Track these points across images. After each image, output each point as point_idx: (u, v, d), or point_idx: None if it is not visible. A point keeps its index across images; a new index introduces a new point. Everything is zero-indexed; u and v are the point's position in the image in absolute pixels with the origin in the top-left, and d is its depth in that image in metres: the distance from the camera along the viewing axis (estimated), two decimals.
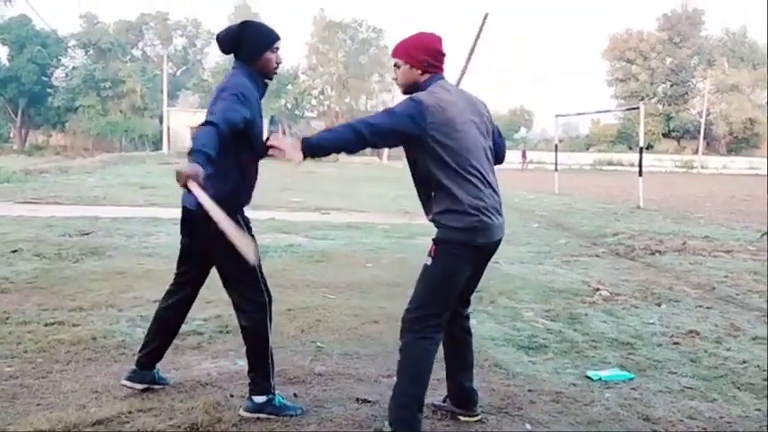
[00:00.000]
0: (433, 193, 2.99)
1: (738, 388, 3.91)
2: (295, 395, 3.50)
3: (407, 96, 3.00)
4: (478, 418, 3.29)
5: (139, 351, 3.53)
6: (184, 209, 3.25)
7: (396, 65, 3.13)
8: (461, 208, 2.91)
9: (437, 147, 2.91)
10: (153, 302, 5.25)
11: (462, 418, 3.27)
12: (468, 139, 2.97)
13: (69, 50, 55.67)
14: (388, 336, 4.62)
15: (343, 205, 14.42)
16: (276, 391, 3.27)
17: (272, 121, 51.22)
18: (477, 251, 3.00)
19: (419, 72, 3.06)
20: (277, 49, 3.27)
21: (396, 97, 51.57)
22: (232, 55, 3.28)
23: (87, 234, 9.02)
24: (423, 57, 3.05)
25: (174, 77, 58.36)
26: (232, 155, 3.08)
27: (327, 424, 3.16)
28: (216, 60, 59.88)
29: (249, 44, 3.20)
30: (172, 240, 8.77)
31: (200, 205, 2.84)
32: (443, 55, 3.10)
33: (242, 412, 3.20)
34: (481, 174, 2.98)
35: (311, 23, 54.47)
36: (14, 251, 7.45)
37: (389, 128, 2.89)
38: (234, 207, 3.17)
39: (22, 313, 4.88)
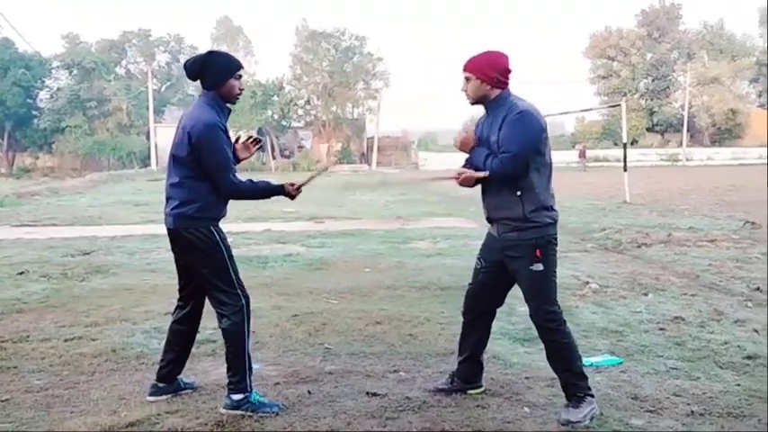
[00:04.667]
0: (519, 192, 3.39)
1: (720, 367, 4.20)
2: (309, 392, 3.76)
3: (523, 109, 3.37)
4: (483, 388, 3.77)
5: (159, 365, 3.80)
6: (167, 229, 3.59)
7: (467, 78, 3.48)
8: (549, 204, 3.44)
9: (542, 146, 3.40)
10: (164, 315, 5.53)
11: (471, 392, 3.70)
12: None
13: (53, 72, 55.53)
14: (392, 335, 4.90)
15: (337, 213, 14.67)
16: (253, 389, 3.51)
17: (259, 132, 51.35)
18: None
19: (489, 87, 3.45)
20: (239, 76, 3.57)
21: (381, 104, 51.80)
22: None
23: (89, 253, 9.23)
24: (493, 74, 3.44)
25: (159, 93, 58.36)
26: (201, 173, 3.45)
27: (342, 416, 3.42)
28: None
29: (213, 72, 3.51)
30: (172, 256, 9.00)
31: (177, 221, 3.45)
32: (510, 71, 3.48)
33: (221, 410, 3.46)
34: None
35: (294, 34, 54.70)
36: (21, 273, 7.67)
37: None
38: (210, 221, 3.52)
39: (41, 330, 5.12)
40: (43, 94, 55.13)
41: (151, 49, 61.37)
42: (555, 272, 3.49)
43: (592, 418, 3.33)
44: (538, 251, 3.37)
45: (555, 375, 3.98)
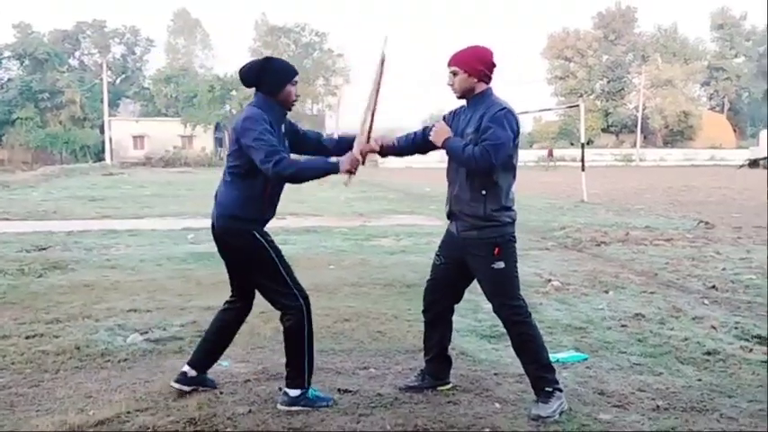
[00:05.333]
0: (484, 191, 3.42)
1: (682, 362, 4.32)
2: (280, 389, 3.73)
3: (507, 108, 3.41)
4: (451, 385, 3.81)
5: (193, 354, 3.75)
6: (212, 226, 3.56)
7: (453, 72, 3.50)
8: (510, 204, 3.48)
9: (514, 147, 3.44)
10: (127, 312, 5.47)
11: (441, 389, 3.73)
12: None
13: (3, 62, 54.15)
14: (361, 332, 4.91)
15: (299, 210, 14.59)
16: (309, 385, 3.53)
17: (217, 128, 50.80)
18: None
19: (475, 80, 3.48)
20: (296, 82, 3.56)
21: (341, 100, 51.70)
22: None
23: (45, 249, 9.02)
24: (480, 67, 3.47)
25: (114, 86, 57.31)
26: (260, 177, 3.39)
27: (315, 413, 3.41)
28: (156, 68, 59.13)
29: (272, 78, 3.48)
30: (132, 252, 8.86)
31: (220, 222, 3.41)
32: (495, 66, 3.53)
33: (279, 405, 3.47)
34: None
35: (253, 28, 54.30)
36: None
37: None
38: (259, 223, 3.49)
39: (1, 327, 4.98)
40: None
41: (106, 41, 60.22)
42: (516, 268, 3.54)
43: (561, 413, 3.39)
44: (497, 249, 3.42)
45: (523, 372, 4.05)
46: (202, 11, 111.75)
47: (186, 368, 3.67)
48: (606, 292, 6.43)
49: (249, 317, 5.17)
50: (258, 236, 3.48)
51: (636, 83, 60.84)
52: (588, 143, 53.44)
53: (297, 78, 3.55)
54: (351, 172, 3.40)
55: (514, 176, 3.52)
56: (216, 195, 3.55)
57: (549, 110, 56.26)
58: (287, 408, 3.44)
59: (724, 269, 7.55)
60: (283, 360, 4.23)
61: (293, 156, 3.50)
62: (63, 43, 57.57)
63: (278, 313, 5.37)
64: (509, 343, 4.65)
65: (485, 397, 3.68)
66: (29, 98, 50.36)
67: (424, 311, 3.86)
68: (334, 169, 3.38)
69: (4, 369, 4.09)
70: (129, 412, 3.37)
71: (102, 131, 48.91)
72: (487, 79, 3.50)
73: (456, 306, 3.93)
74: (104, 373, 4.04)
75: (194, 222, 11.67)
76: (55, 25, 68.27)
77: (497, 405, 3.55)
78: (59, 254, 8.63)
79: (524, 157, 48.90)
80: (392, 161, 46.29)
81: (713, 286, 6.64)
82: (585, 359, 4.37)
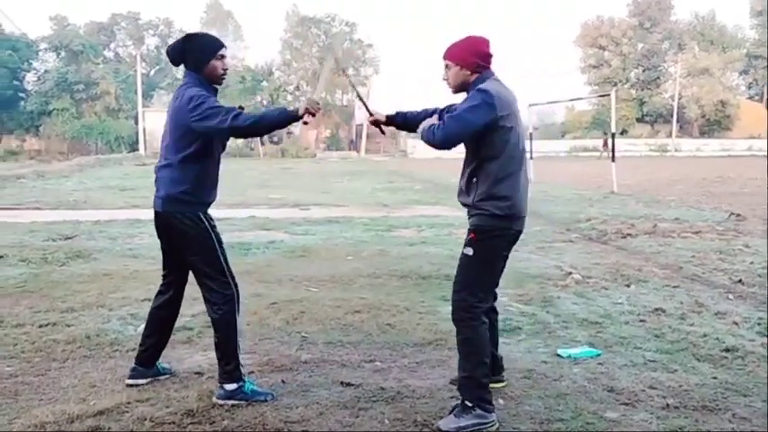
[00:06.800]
0: (475, 179, 3.27)
1: (698, 359, 4.19)
2: (283, 381, 3.72)
3: (483, 88, 3.22)
4: (505, 383, 3.65)
5: (138, 349, 3.78)
6: (155, 212, 3.54)
7: (447, 66, 3.40)
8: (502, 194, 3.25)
9: (501, 134, 3.20)
10: (142, 301, 5.49)
11: (492, 386, 3.44)
12: (520, 128, 3.31)
13: (40, 54, 55.07)
14: (370, 324, 4.87)
15: (323, 200, 14.61)
16: (246, 378, 3.48)
17: None
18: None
19: (469, 72, 3.34)
20: (222, 56, 3.50)
21: (370, 91, 51.64)
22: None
23: (71, 238, 9.14)
24: (473, 59, 3.33)
25: (148, 77, 57.96)
26: (192, 156, 3.40)
27: (314, 406, 3.38)
28: None
29: (194, 55, 3.46)
30: (155, 241, 8.77)
31: (166, 206, 3.39)
32: (491, 56, 3.39)
33: (215, 399, 3.42)
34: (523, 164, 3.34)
35: (284, 19, 54.42)
36: (0, 257, 7.57)
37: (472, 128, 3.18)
38: (198, 204, 3.46)
39: (16, 316, 5.05)
40: (30, 77, 54.70)
41: (140, 33, 60.92)
42: (491, 266, 3.31)
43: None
44: (473, 235, 3.26)
45: (531, 368, 3.98)
46: (234, 2, 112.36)
47: (135, 366, 3.72)
48: (627, 285, 6.29)
49: (258, 308, 5.23)
50: (203, 218, 3.48)
51: (672, 71, 59.63)
52: (622, 133, 52.75)
53: (223, 52, 3.50)
54: (311, 113, 3.36)
55: (515, 166, 3.27)
56: (156, 179, 3.51)
57: (579, 99, 55.32)
58: (223, 402, 3.39)
59: (752, 263, 7.33)
60: (289, 352, 4.26)
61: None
62: (98, 35, 58.36)
63: (288, 303, 5.44)
64: (520, 337, 4.64)
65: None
66: (65, 89, 51.16)
67: None
68: (293, 115, 3.36)
69: (14, 357, 4.14)
70: (129, 403, 3.38)
71: (137, 122, 49.50)
72: (482, 69, 3.34)
73: None
74: (111, 363, 4.06)
75: (217, 212, 11.72)
76: (90, 17, 69.33)
77: (501, 401, 3.47)
78: (84, 243, 8.74)
79: (556, 147, 48.54)
80: (422, 152, 46.18)
81: (739, 280, 6.45)
82: (598, 355, 4.26)
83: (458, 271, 3.33)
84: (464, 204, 3.39)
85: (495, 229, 3.26)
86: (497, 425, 3.17)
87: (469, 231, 3.30)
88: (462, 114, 3.17)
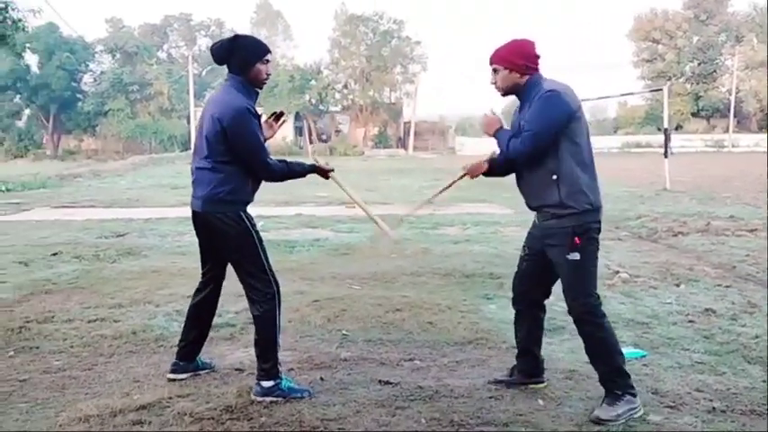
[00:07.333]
0: (555, 176, 3.28)
1: (748, 362, 4.05)
2: (321, 379, 3.74)
3: (550, 89, 3.26)
4: (546, 384, 3.65)
5: (178, 345, 3.85)
6: (193, 211, 3.58)
7: (495, 70, 3.42)
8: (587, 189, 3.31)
9: (576, 127, 3.27)
10: (187, 298, 5.49)
11: (533, 386, 3.59)
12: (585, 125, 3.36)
13: (97, 55, 56.49)
14: (411, 323, 4.85)
15: (369, 198, 14.60)
16: (283, 375, 3.50)
17: (297, 117, 51.55)
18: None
19: (518, 75, 3.37)
20: (267, 61, 3.51)
21: (418, 88, 51.54)
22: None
23: (122, 236, 9.37)
24: (521, 61, 3.36)
25: (200, 78, 58.96)
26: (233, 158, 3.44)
27: (351, 404, 3.38)
28: None
29: (240, 56, 3.47)
30: None
31: (206, 206, 3.44)
32: (538, 57, 3.40)
33: (252, 396, 3.45)
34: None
35: (333, 18, 54.67)
36: (54, 254, 7.81)
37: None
38: (239, 204, 3.49)
39: (66, 312, 5.20)
40: (87, 78, 56.18)
41: (192, 34, 62.07)
42: (594, 262, 3.37)
43: (628, 420, 3.19)
44: (576, 239, 3.26)
45: (574, 368, 3.91)
46: (284, 2, 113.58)
47: (176, 361, 3.81)
48: (677, 285, 6.13)
49: (300, 305, 5.26)
50: (244, 217, 3.50)
51: (729, 65, 57.81)
52: (677, 128, 51.43)
53: (268, 57, 3.52)
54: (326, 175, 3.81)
55: (589, 159, 3.32)
56: (195, 179, 3.52)
57: (631, 94, 54.18)
58: (260, 398, 3.41)
59: None
60: (329, 349, 4.27)
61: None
62: (152, 36, 59.68)
63: (330, 301, 5.46)
64: (564, 337, 4.56)
65: (529, 393, 3.55)
66: (120, 90, 52.43)
67: (512, 303, 3.75)
68: (310, 171, 3.75)
69: (63, 352, 4.26)
70: (170, 398, 3.44)
71: (189, 122, 50.44)
72: (531, 71, 3.36)
73: None
74: (156, 358, 4.14)
75: (265, 210, 11.85)
76: (144, 19, 71.02)
77: (541, 402, 3.42)
78: (135, 240, 8.95)
79: (608, 143, 47.60)
80: (469, 148, 45.89)
81: None
82: (644, 356, 4.17)
83: (569, 279, 3.35)
84: (543, 206, 3.37)
85: (591, 225, 3.30)
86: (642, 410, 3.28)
87: (566, 235, 3.28)
88: (543, 116, 3.22)
